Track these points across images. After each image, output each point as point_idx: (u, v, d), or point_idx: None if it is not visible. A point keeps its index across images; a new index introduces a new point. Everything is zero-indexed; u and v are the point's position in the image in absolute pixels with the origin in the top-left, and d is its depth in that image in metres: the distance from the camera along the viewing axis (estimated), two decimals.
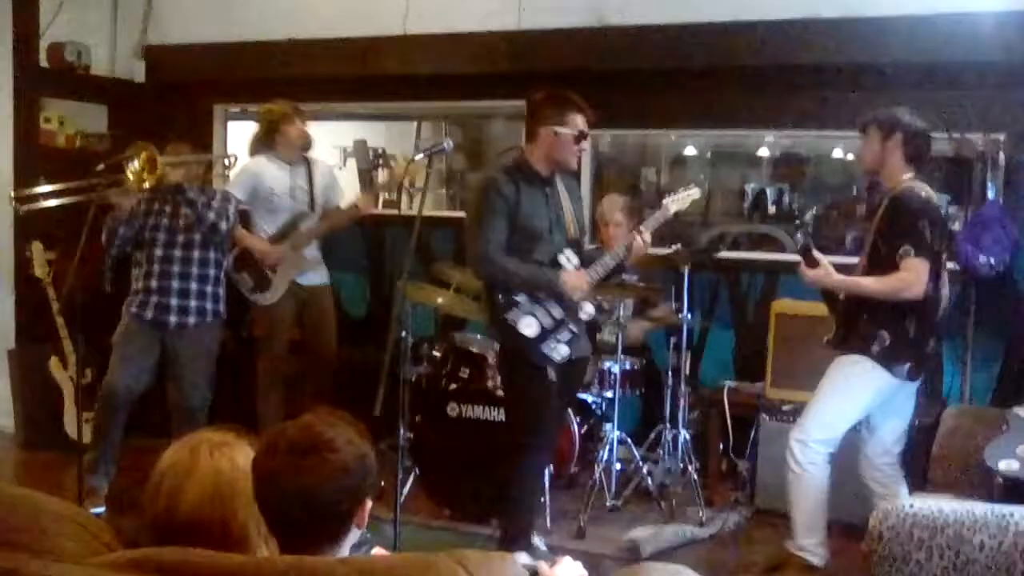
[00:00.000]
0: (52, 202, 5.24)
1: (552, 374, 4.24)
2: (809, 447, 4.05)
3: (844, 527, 4.49)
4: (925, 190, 4.04)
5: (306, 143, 5.69)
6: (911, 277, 3.86)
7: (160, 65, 7.07)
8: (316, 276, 5.75)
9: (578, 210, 4.49)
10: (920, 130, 4.09)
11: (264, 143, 5.68)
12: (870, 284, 3.95)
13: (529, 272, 4.22)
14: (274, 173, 5.59)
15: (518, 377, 4.33)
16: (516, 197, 4.20)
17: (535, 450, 4.33)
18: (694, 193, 4.55)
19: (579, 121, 4.26)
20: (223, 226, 5.03)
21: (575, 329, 4.32)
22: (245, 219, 5.64)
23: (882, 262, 3.96)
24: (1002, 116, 5.31)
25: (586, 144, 4.34)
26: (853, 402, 4.07)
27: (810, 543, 4.11)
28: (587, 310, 4.36)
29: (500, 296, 4.25)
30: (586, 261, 4.38)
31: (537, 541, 4.51)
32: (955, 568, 2.65)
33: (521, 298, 4.23)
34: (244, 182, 5.58)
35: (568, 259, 4.32)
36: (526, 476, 4.38)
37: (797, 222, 4.13)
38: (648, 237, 4.34)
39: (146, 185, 4.74)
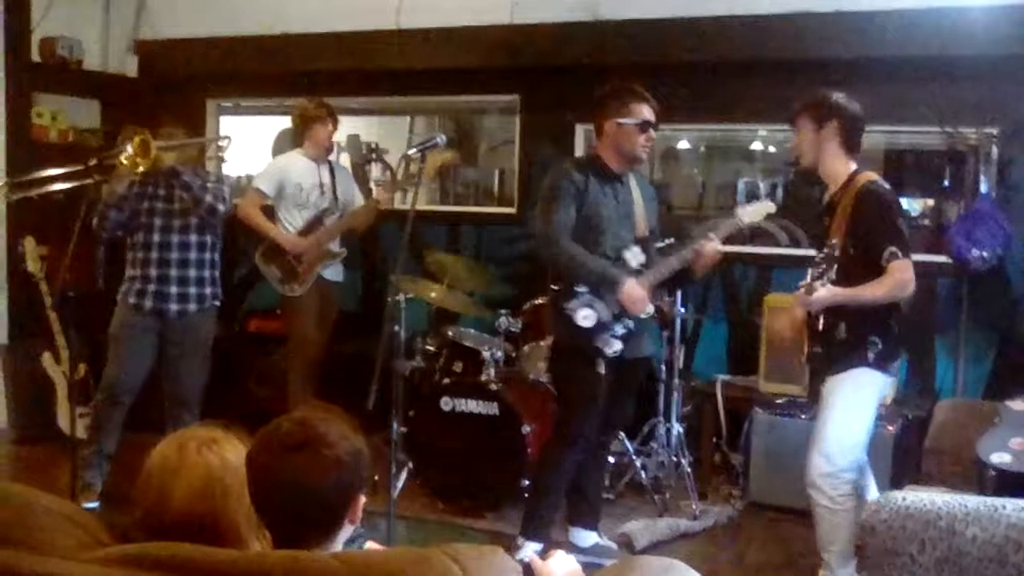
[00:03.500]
0: (46, 189, 5.19)
1: (601, 366, 4.19)
2: (839, 477, 3.78)
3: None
4: (884, 183, 3.81)
5: (330, 145, 5.89)
6: (906, 277, 3.65)
7: (153, 60, 7.06)
8: (336, 272, 5.85)
9: (651, 212, 4.42)
10: (855, 114, 3.83)
11: (293, 139, 5.89)
12: (869, 292, 3.67)
13: (595, 265, 4.17)
14: (301, 168, 5.73)
15: (568, 368, 4.29)
16: (584, 185, 4.19)
17: (566, 441, 4.29)
18: (769, 207, 4.37)
19: (643, 111, 4.22)
20: (220, 208, 4.98)
21: (632, 326, 4.22)
22: (269, 213, 5.75)
23: (855, 264, 3.70)
24: (995, 110, 5.32)
25: (653, 134, 4.28)
26: (866, 417, 3.83)
27: (846, 572, 3.87)
28: (647, 308, 4.26)
29: (561, 284, 4.23)
30: (653, 260, 4.34)
31: (600, 537, 4.56)
32: (947, 560, 2.66)
33: (582, 288, 4.17)
34: (272, 176, 5.74)
35: (634, 256, 4.28)
36: (550, 466, 4.34)
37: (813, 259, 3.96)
38: (719, 245, 4.21)
39: (140, 170, 4.70)
